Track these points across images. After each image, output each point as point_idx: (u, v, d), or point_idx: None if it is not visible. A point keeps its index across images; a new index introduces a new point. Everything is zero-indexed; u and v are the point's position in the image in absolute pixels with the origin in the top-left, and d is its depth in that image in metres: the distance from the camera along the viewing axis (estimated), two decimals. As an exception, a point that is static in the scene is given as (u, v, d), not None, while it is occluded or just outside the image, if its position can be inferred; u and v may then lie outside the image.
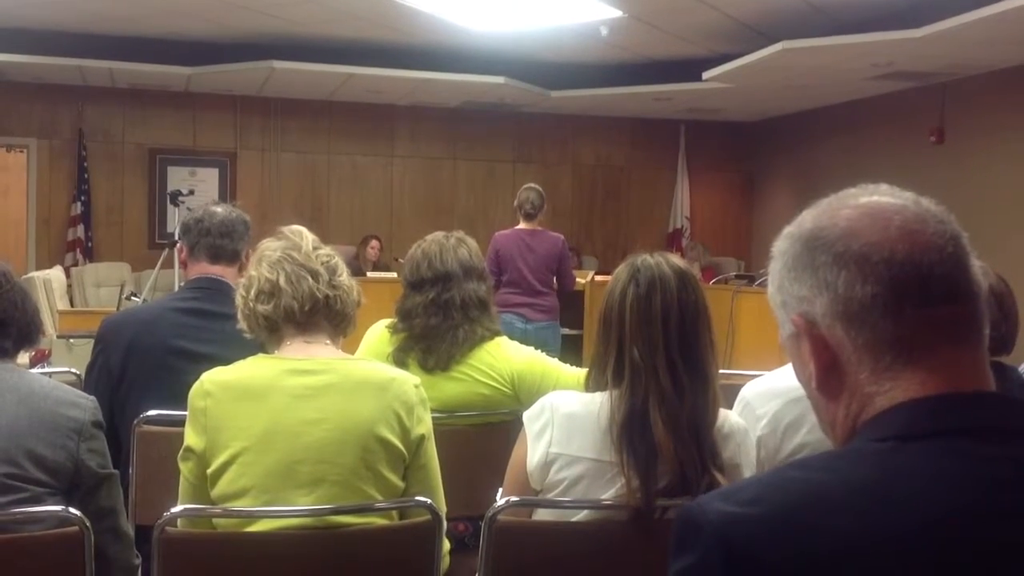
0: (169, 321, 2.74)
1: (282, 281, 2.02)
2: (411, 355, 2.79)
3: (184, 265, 2.93)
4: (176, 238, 3.40)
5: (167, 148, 10.23)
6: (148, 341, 2.70)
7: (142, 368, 2.69)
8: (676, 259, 2.09)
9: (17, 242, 10.21)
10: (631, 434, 1.93)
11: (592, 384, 2.06)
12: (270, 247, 2.10)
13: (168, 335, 2.70)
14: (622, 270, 2.07)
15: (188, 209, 5.55)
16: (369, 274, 8.49)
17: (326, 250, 2.12)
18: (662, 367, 1.96)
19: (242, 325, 2.10)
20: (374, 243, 9.47)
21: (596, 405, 1.99)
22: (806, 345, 0.99)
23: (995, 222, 7.31)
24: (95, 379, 2.74)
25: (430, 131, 10.84)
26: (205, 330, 2.70)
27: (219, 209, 2.93)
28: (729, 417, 2.05)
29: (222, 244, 2.85)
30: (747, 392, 2.18)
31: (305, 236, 2.11)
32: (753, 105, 10.08)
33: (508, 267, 6.09)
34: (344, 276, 2.11)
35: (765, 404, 2.10)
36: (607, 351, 2.02)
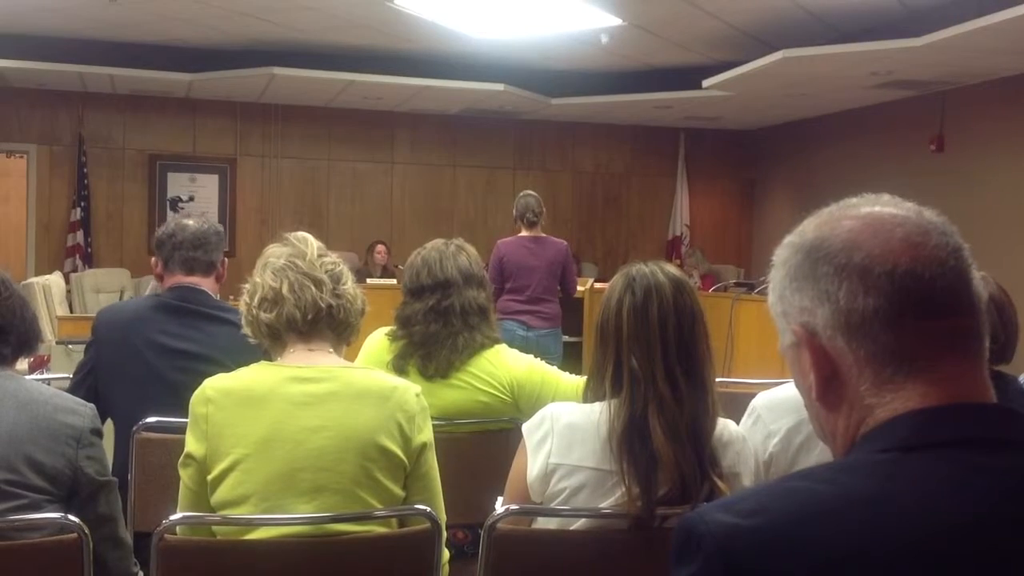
0: (145, 315, 2.84)
1: (285, 289, 2.02)
2: (410, 362, 2.79)
3: (160, 279, 2.97)
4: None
5: (167, 154, 10.23)
6: (121, 333, 2.81)
7: (115, 356, 2.80)
8: (670, 267, 2.09)
9: (17, 248, 10.22)
10: (631, 442, 1.92)
11: (591, 394, 2.06)
12: (275, 253, 2.09)
13: (142, 328, 2.79)
14: (617, 280, 2.07)
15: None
16: (369, 281, 8.47)
17: (331, 257, 2.12)
18: (660, 375, 1.95)
19: (245, 331, 2.10)
20: (380, 248, 9.46)
21: (596, 414, 1.98)
22: (806, 355, 0.98)
23: (995, 231, 7.31)
24: (81, 365, 2.87)
25: (430, 138, 10.85)
26: (179, 325, 2.80)
27: (191, 222, 2.98)
28: (728, 425, 2.04)
29: (196, 256, 2.90)
30: (759, 403, 2.12)
31: (310, 243, 2.11)
32: (753, 113, 10.10)
33: (513, 275, 6.04)
34: (348, 284, 2.10)
35: (779, 419, 2.05)
36: (605, 361, 2.02)
